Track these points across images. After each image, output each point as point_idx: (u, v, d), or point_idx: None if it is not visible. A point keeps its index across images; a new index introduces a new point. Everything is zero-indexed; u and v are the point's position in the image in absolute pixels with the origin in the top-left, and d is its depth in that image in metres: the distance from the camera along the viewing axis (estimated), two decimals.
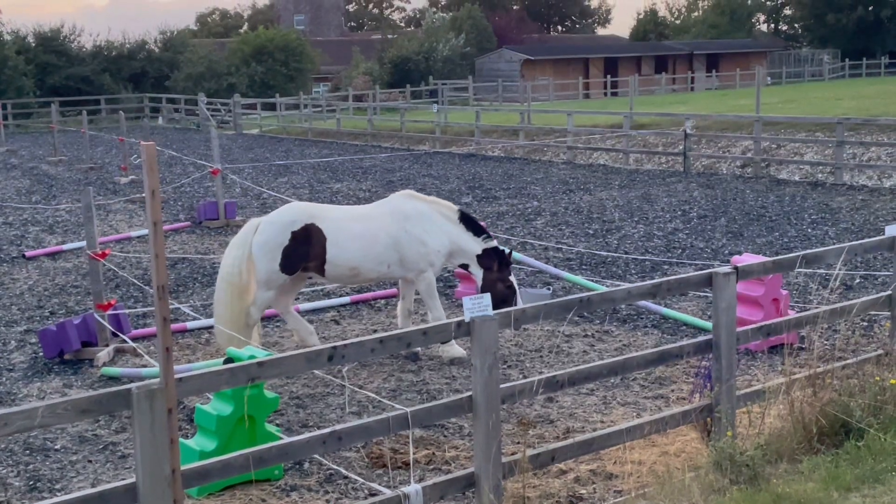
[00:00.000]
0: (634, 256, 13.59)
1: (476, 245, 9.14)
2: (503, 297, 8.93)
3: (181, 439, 5.87)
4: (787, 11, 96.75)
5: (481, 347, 5.34)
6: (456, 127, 34.16)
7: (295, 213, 9.03)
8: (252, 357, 6.09)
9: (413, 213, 9.08)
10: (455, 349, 9.16)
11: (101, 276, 9.64)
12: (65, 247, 15.10)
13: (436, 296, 9.23)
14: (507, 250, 9.31)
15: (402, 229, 9.00)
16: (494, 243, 9.22)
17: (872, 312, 8.45)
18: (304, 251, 8.87)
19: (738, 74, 62.02)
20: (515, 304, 8.90)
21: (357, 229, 8.97)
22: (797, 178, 22.48)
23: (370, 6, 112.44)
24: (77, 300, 11.88)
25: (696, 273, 6.53)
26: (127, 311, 10.30)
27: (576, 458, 6.26)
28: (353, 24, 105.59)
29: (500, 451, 5.42)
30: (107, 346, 9.47)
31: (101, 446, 7.26)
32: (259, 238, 8.89)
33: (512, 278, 9.15)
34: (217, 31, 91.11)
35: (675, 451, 6.46)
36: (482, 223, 9.52)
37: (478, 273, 9.16)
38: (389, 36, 72.94)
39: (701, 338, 6.71)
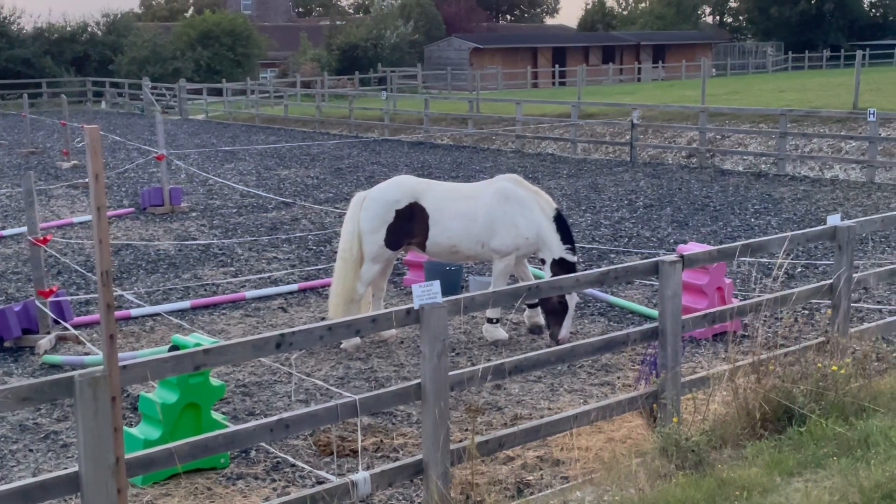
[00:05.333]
0: (582, 245, 13.67)
1: (558, 249, 9.16)
2: (552, 310, 9.04)
3: (125, 428, 5.80)
4: (733, 4, 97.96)
5: (430, 335, 5.33)
6: (405, 115, 34.08)
7: (400, 190, 9.14)
8: (198, 345, 6.03)
9: (514, 197, 9.16)
10: (499, 332, 9.25)
11: (43, 262, 9.45)
12: (4, 232, 14.79)
13: (504, 282, 9.23)
14: (579, 265, 9.29)
15: (501, 210, 9.09)
16: (573, 258, 9.22)
17: (814, 301, 8.60)
18: (408, 229, 9.07)
19: (685, 66, 62.66)
20: (562, 320, 9.00)
21: (459, 208, 9.10)
22: (741, 169, 22.79)
23: None
24: (18, 287, 11.65)
25: (643, 261, 6.58)
26: (69, 297, 10.12)
27: (523, 445, 6.29)
28: (300, 9, 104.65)
29: (448, 439, 5.42)
30: (48, 333, 9.30)
31: (42, 435, 7.13)
32: (365, 214, 9.10)
33: (568, 298, 9.07)
34: (162, 15, 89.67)
35: (622, 438, 6.52)
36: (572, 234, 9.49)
37: (549, 274, 9.12)
38: (338, 22, 72.32)
39: (647, 325, 6.77)
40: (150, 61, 52.67)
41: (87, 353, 8.88)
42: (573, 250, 9.27)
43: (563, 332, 9.04)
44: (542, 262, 9.35)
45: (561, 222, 9.26)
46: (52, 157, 25.88)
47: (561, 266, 9.09)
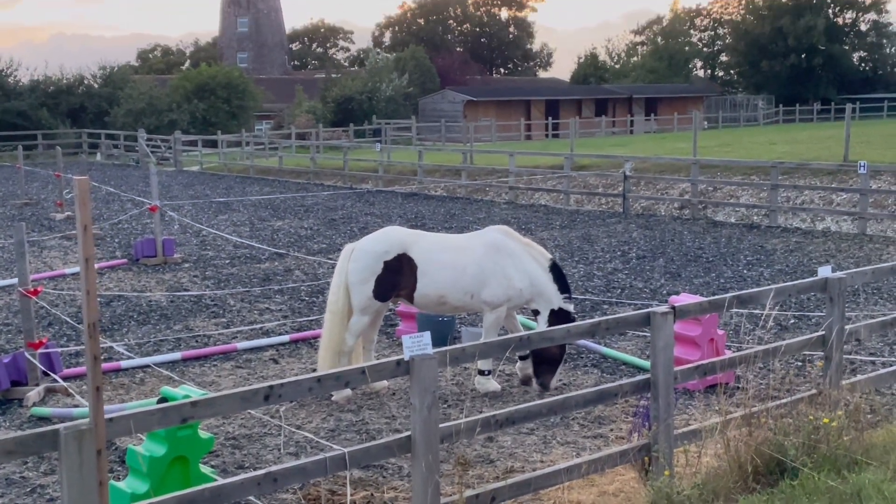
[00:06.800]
0: (575, 296, 13.66)
1: (556, 299, 9.17)
2: (553, 359, 9.07)
3: (112, 481, 5.73)
4: (724, 58, 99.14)
5: (420, 386, 5.30)
6: (399, 166, 34.24)
7: (389, 242, 9.14)
8: (187, 397, 5.98)
9: (505, 248, 9.17)
10: (491, 383, 9.22)
11: (33, 313, 9.42)
12: None
13: (495, 333, 9.23)
14: (574, 317, 9.31)
15: (491, 261, 9.09)
16: (571, 308, 9.24)
17: (806, 352, 8.58)
18: (397, 280, 9.06)
19: (676, 118, 63.20)
20: (555, 369, 9.10)
21: (447, 259, 9.10)
22: (733, 220, 22.88)
23: (314, 45, 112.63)
24: (8, 338, 11.58)
25: (635, 312, 6.57)
26: (59, 349, 10.07)
27: (515, 499, 6.22)
28: (296, 62, 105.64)
29: (438, 493, 5.37)
30: (37, 385, 9.23)
31: (28, 489, 7.04)
32: (354, 265, 9.10)
33: (566, 347, 9.17)
34: (159, 68, 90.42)
35: (614, 491, 6.47)
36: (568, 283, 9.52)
37: (543, 325, 9.14)
38: (333, 75, 73.03)
39: (639, 377, 6.74)
40: (146, 113, 52.99)
41: (76, 406, 8.81)
42: (570, 300, 9.27)
43: (554, 380, 9.05)
44: (535, 313, 9.32)
45: (557, 272, 9.26)
46: (45, 208, 25.91)
47: (559, 317, 9.07)
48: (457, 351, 5.66)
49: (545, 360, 9.09)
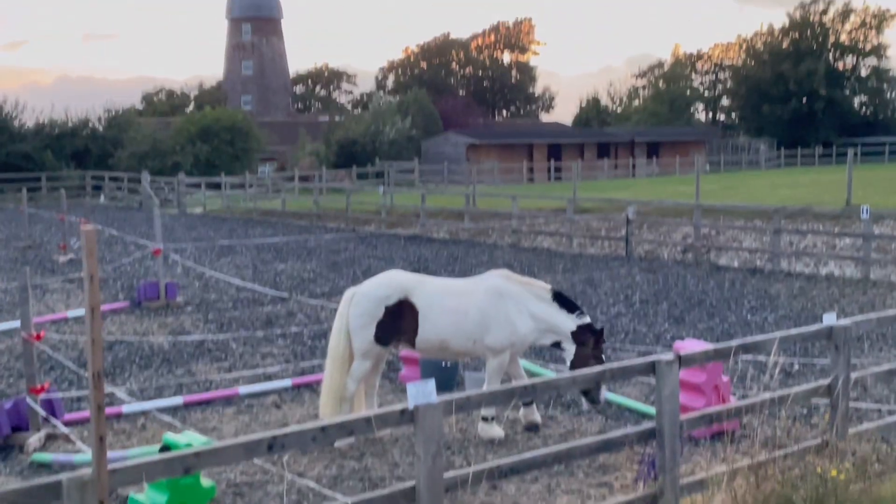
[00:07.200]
0: None
1: (570, 322, 9.14)
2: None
3: None
4: (725, 102, 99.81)
5: (425, 435, 5.27)
6: (401, 208, 34.34)
7: (390, 286, 9.10)
8: (189, 444, 5.95)
9: (507, 293, 9.13)
10: (494, 430, 9.14)
11: (35, 358, 9.39)
12: None
13: (499, 379, 9.18)
14: (601, 326, 9.31)
15: (494, 306, 9.05)
16: (588, 319, 9.22)
17: (812, 400, 8.53)
18: (398, 325, 9.00)
19: (678, 161, 63.51)
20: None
21: (449, 304, 9.05)
22: (736, 265, 22.86)
23: (318, 88, 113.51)
24: (9, 383, 11.54)
25: (640, 360, 6.54)
26: (60, 394, 10.02)
27: None
28: (300, 105, 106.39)
29: None
30: (38, 430, 9.18)
31: None
32: (355, 310, 9.05)
33: (604, 357, 9.15)
34: (163, 111, 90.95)
35: None
36: (575, 301, 9.52)
37: (570, 349, 9.12)
38: (337, 118, 73.53)
39: (644, 425, 6.69)
40: (150, 156, 53.26)
41: (77, 451, 8.75)
42: (584, 313, 9.25)
43: (603, 394, 9.04)
44: (557, 345, 9.28)
45: (561, 298, 9.25)
46: (48, 250, 25.94)
47: (583, 332, 9.05)
48: (461, 399, 5.63)
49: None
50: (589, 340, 9.12)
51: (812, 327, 7.76)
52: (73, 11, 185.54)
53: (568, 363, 9.19)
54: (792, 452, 6.83)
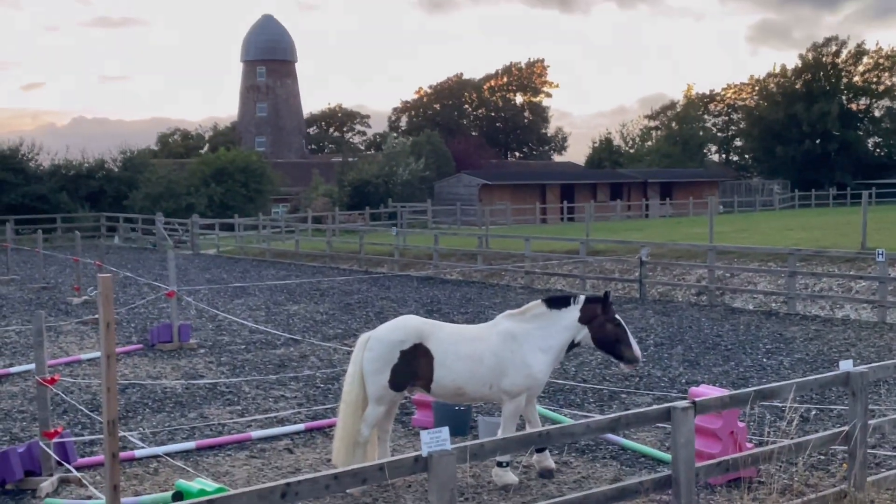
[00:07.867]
0: (592, 385, 13.55)
1: (573, 312, 9.18)
2: (617, 337, 9.11)
3: None
4: (738, 143, 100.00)
5: (439, 483, 5.23)
6: (414, 250, 34.37)
7: (405, 331, 9.08)
8: (202, 491, 5.92)
9: (520, 334, 9.12)
10: (508, 476, 9.08)
11: (49, 402, 9.39)
12: (12, 370, 14.74)
13: (514, 423, 9.15)
14: (604, 292, 9.33)
15: (508, 350, 9.04)
16: (582, 297, 9.28)
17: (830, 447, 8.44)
18: (413, 370, 8.97)
19: (692, 202, 63.47)
20: (628, 339, 9.12)
21: (465, 350, 9.04)
22: (751, 307, 22.76)
23: (331, 129, 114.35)
24: (22, 426, 11.53)
25: (655, 407, 6.50)
26: (74, 438, 10.01)
27: None
28: (313, 146, 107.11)
29: None
30: (51, 475, 9.15)
31: None
32: (369, 354, 9.02)
33: (617, 316, 9.23)
34: (178, 152, 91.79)
35: None
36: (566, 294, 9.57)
37: (584, 334, 9.17)
38: (350, 159, 73.95)
39: (660, 473, 6.63)
40: (164, 197, 53.56)
41: (89, 497, 8.71)
42: (577, 294, 9.33)
43: (635, 349, 9.09)
44: (575, 345, 9.32)
45: (555, 301, 9.27)
46: (63, 292, 26.04)
47: (587, 309, 9.13)
48: (475, 447, 5.60)
49: (614, 341, 9.09)
50: (597, 312, 9.16)
51: (829, 374, 7.70)
52: (89, 53, 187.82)
53: (593, 344, 9.25)
54: (810, 500, 6.75)
